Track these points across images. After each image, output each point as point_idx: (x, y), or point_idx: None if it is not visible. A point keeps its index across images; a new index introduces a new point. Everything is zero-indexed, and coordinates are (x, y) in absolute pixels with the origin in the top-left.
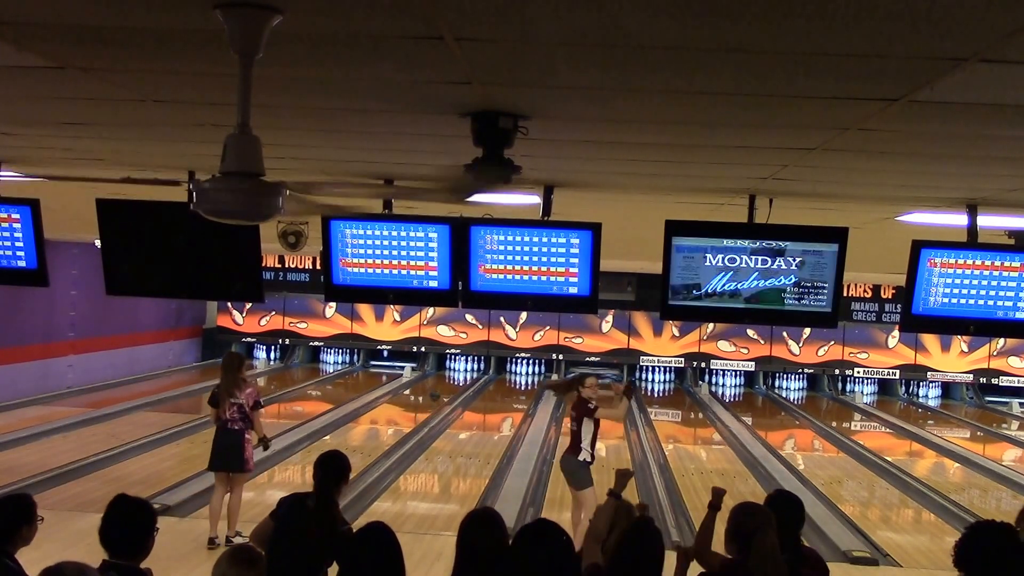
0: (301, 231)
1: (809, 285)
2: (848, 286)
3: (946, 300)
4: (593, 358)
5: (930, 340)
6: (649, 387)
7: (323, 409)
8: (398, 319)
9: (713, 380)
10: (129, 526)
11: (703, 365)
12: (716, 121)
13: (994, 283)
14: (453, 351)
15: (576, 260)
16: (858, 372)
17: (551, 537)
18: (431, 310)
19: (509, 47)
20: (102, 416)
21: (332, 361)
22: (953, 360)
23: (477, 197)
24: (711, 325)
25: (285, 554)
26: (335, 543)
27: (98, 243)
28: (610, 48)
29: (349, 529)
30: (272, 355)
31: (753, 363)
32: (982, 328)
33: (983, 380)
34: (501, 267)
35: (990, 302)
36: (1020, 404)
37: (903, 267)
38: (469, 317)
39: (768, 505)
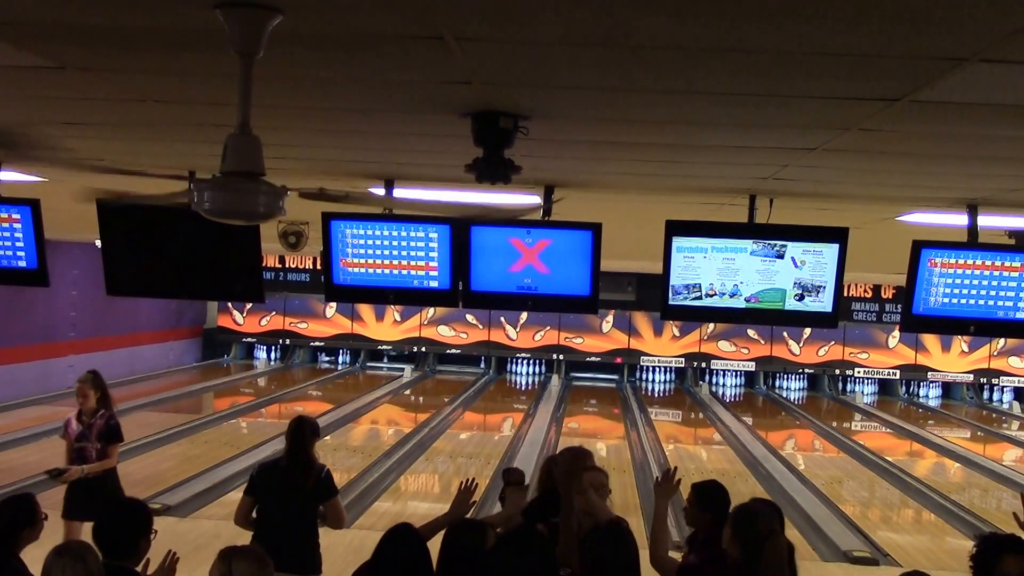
0: (301, 231)
1: (809, 285)
2: (848, 286)
3: (946, 300)
4: (593, 358)
5: (930, 340)
6: (649, 387)
7: (323, 409)
8: (398, 319)
9: (713, 380)
10: (122, 526)
11: (703, 365)
12: (716, 121)
13: (994, 283)
14: (453, 351)
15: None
16: (858, 372)
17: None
18: (431, 310)
19: (509, 47)
20: None
21: (332, 361)
22: (953, 360)
23: (479, 198)
24: (711, 325)
25: (279, 513)
26: (319, 486)
27: (98, 243)
28: (610, 48)
29: (328, 474)
30: (272, 355)
31: (753, 363)
32: (983, 328)
33: (983, 380)
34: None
35: (990, 302)
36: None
37: (903, 267)
38: (469, 317)
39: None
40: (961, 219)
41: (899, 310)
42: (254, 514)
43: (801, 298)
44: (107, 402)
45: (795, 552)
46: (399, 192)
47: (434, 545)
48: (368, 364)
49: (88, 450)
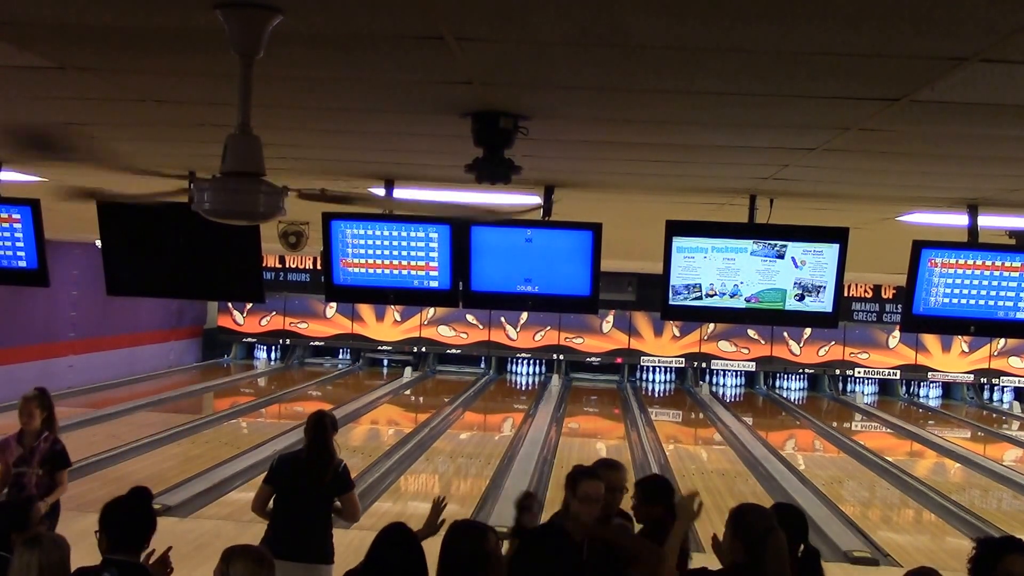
0: (301, 231)
1: (810, 285)
2: (849, 286)
3: (947, 300)
4: (594, 358)
5: (931, 340)
6: (650, 387)
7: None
8: (398, 319)
9: (714, 380)
10: (144, 519)
11: (704, 365)
12: (716, 121)
13: (995, 283)
14: (453, 351)
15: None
16: (859, 372)
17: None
18: (431, 310)
19: (509, 47)
20: (103, 416)
21: (332, 361)
22: (954, 360)
23: (478, 198)
24: (712, 325)
25: (296, 503)
26: (337, 479)
27: (99, 243)
28: (610, 48)
29: (345, 468)
30: (272, 355)
31: (754, 363)
32: (983, 328)
33: (984, 380)
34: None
35: (991, 302)
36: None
37: (904, 267)
38: (470, 317)
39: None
40: (961, 219)
41: (899, 310)
42: (271, 504)
43: (801, 298)
44: (52, 424)
45: (820, 558)
46: (399, 193)
47: (433, 546)
48: (368, 362)
49: (28, 476)
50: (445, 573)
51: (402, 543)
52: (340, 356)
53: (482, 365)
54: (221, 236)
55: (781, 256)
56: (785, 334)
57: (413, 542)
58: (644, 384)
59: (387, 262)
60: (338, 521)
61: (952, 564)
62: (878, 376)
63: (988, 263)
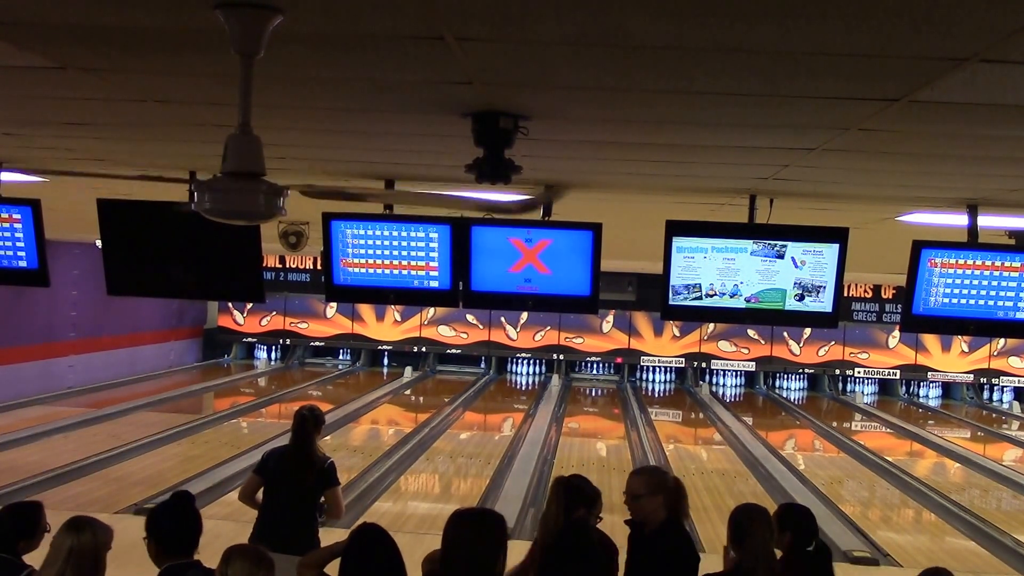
0: (302, 231)
1: (810, 285)
2: (848, 286)
3: (946, 300)
4: (594, 358)
5: (930, 340)
6: (650, 387)
7: (323, 409)
8: (399, 319)
9: (714, 380)
10: (195, 522)
11: (704, 365)
12: (716, 121)
13: (994, 283)
14: (453, 351)
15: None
16: (858, 372)
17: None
18: (431, 310)
19: (509, 47)
20: (103, 416)
21: (333, 361)
22: (953, 360)
23: (477, 197)
24: (712, 325)
25: (281, 497)
26: (322, 476)
27: (99, 243)
28: (610, 48)
29: (331, 465)
30: (273, 355)
31: (754, 363)
32: (982, 328)
33: (983, 380)
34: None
35: (990, 302)
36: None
37: (903, 267)
38: (470, 317)
39: (780, 518)
40: (961, 219)
41: (899, 310)
42: (259, 496)
43: (801, 298)
44: None
45: (831, 556)
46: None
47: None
48: (368, 361)
49: None
50: (447, 564)
51: (377, 542)
52: (340, 356)
53: (482, 365)
54: (221, 236)
55: (781, 256)
56: (785, 334)
57: (388, 541)
58: (644, 384)
59: (387, 262)
60: (337, 521)
61: (952, 564)
62: (878, 376)
63: (988, 263)
